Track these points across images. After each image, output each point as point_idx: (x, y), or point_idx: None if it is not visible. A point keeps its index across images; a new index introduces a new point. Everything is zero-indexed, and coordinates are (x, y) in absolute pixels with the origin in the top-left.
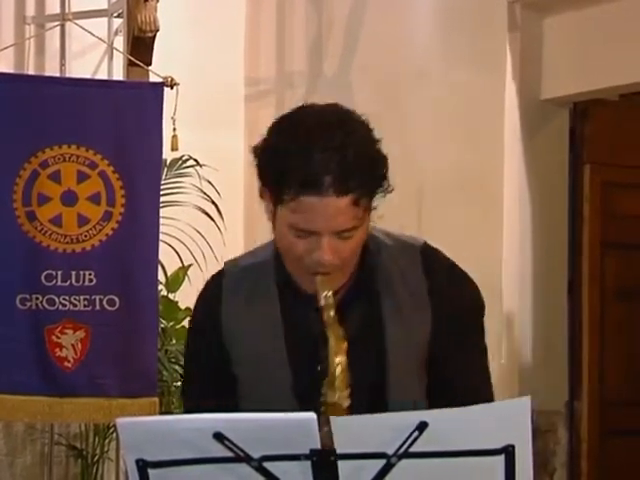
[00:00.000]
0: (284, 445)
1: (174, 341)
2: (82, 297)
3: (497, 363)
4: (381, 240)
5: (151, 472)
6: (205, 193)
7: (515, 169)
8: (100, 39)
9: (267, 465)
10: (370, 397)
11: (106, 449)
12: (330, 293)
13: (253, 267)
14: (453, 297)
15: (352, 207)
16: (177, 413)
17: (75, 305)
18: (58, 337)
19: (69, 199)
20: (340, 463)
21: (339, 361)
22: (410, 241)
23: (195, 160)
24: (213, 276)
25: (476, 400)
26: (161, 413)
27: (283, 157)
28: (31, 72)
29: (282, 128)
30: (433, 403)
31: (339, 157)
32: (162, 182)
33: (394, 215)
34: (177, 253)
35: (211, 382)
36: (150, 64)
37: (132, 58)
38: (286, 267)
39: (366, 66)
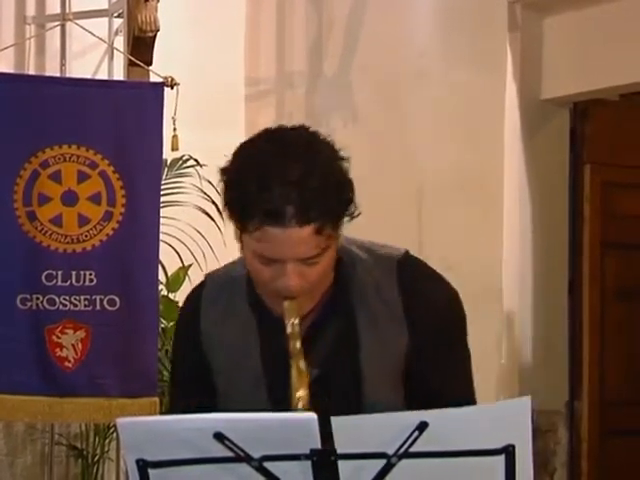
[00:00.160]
0: (284, 445)
1: None
2: (82, 297)
3: (497, 363)
4: (355, 254)
5: (151, 472)
6: (205, 193)
7: (515, 169)
8: (100, 39)
9: (267, 465)
10: (346, 408)
11: (106, 449)
12: (297, 321)
13: (229, 282)
14: (430, 308)
15: (315, 236)
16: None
17: (75, 305)
18: (58, 337)
19: (69, 199)
20: (340, 463)
21: (300, 396)
22: (387, 252)
23: (195, 160)
24: (194, 287)
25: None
26: (161, 413)
27: (244, 192)
28: (31, 72)
29: (243, 160)
30: None
31: (299, 189)
32: (162, 182)
33: (394, 215)
34: (177, 253)
35: (193, 387)
36: (150, 64)
37: (132, 58)
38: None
39: (366, 66)
